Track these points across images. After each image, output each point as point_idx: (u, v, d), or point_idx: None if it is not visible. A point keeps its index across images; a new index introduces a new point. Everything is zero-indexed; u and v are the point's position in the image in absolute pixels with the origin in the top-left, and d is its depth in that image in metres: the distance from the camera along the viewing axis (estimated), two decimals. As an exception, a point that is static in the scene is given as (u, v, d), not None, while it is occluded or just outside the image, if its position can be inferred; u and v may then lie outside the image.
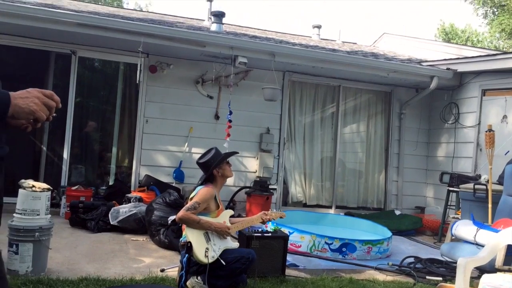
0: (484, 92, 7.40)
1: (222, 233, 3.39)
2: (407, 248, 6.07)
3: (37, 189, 3.78)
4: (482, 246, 3.90)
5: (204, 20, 9.57)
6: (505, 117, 6.95)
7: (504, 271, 3.42)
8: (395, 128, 8.51)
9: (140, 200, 6.09)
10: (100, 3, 18.51)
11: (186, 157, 7.34)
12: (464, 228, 4.48)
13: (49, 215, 3.90)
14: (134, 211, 5.62)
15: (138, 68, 6.47)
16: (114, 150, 7.58)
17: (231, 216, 3.68)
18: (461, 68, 7.52)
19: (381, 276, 4.57)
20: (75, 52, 7.01)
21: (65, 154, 6.97)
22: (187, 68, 7.38)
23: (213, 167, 3.54)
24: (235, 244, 3.56)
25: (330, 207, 8.17)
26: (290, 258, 4.62)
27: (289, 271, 4.36)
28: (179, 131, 7.35)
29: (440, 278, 4.49)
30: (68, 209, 6.04)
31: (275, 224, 5.18)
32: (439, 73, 7.62)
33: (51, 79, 7.75)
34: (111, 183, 7.33)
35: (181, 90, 7.38)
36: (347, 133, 8.54)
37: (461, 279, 3.35)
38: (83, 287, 3.44)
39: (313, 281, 4.11)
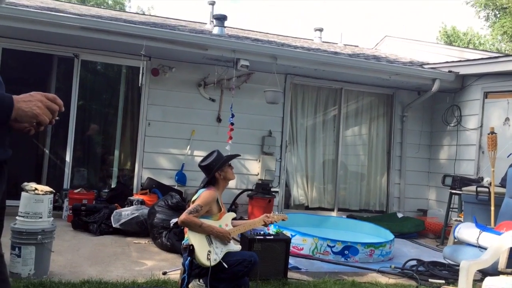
0: (486, 95, 7.39)
1: (223, 238, 3.39)
2: (409, 251, 6.06)
3: (39, 192, 3.79)
4: (485, 248, 3.90)
5: (206, 23, 9.59)
6: (507, 119, 6.93)
7: (507, 273, 3.41)
8: (397, 131, 8.51)
9: (142, 203, 6.09)
10: (102, 7, 18.58)
11: (188, 160, 7.35)
12: (466, 230, 4.48)
13: (52, 218, 3.91)
14: (136, 214, 5.62)
15: (141, 71, 6.49)
16: (117, 153, 7.59)
17: (233, 219, 3.68)
18: (463, 70, 7.51)
19: (383, 279, 4.56)
20: (77, 56, 7.04)
21: (68, 157, 6.99)
22: (189, 71, 7.40)
23: (215, 170, 3.54)
24: (237, 247, 3.56)
25: (332, 209, 8.16)
26: (292, 261, 4.62)
27: (291, 274, 4.36)
28: (181, 134, 7.37)
29: (443, 281, 4.48)
30: (71, 212, 6.05)
31: (277, 226, 5.17)
32: (441, 75, 7.62)
33: (53, 82, 7.79)
34: (113, 186, 7.34)
35: (183, 93, 7.40)
36: (349, 135, 8.54)
37: (464, 282, 3.34)
38: (86, 290, 3.44)
39: (315, 284, 4.10)
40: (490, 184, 5.45)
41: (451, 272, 4.68)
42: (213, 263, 3.27)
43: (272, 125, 7.81)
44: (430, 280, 4.52)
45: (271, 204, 7.06)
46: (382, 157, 8.55)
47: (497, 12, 20.87)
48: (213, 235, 3.36)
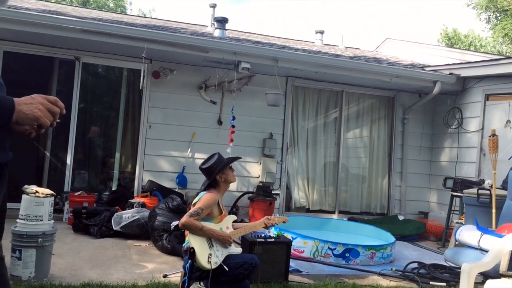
0: (487, 97, 7.39)
1: (224, 241, 3.38)
2: (410, 254, 6.05)
3: (40, 195, 3.79)
4: (486, 251, 3.89)
5: (207, 26, 9.61)
6: (508, 122, 6.93)
7: (509, 276, 3.40)
8: (398, 133, 8.50)
9: (143, 205, 6.09)
10: (104, 10, 18.62)
11: (189, 162, 7.35)
12: (468, 233, 4.47)
13: (52, 221, 3.91)
14: (137, 217, 5.62)
15: (142, 74, 6.50)
16: (117, 155, 7.59)
17: (234, 221, 3.67)
18: (464, 73, 7.51)
19: (384, 282, 4.55)
20: (79, 58, 7.05)
21: (69, 160, 6.99)
22: (190, 73, 7.41)
23: (216, 172, 3.54)
24: (238, 250, 3.55)
25: (333, 212, 8.15)
26: (293, 264, 4.61)
27: (292, 277, 4.35)
28: (182, 137, 7.37)
29: (444, 284, 4.47)
30: (71, 214, 6.05)
31: (278, 229, 5.16)
32: (442, 78, 7.62)
33: (55, 85, 7.80)
34: (114, 188, 7.34)
35: (184, 95, 7.41)
36: (350, 138, 8.54)
37: (465, 284, 3.33)
38: (86, 293, 3.44)
39: (316, 287, 4.10)
40: (491, 186, 5.44)
41: (452, 274, 4.67)
42: (213, 266, 3.26)
43: (273, 127, 7.81)
44: (431, 282, 4.52)
45: (272, 206, 7.06)
46: (383, 160, 8.55)
47: (498, 15, 20.88)
48: (214, 238, 3.36)
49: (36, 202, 3.75)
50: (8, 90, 1.51)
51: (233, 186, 6.49)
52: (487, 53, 12.05)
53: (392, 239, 5.77)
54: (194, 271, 3.31)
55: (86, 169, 7.47)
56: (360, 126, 8.53)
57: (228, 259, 3.37)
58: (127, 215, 5.66)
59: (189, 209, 3.47)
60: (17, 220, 3.76)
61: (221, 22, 7.83)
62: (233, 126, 6.76)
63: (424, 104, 8.33)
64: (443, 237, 6.85)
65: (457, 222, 6.00)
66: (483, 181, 6.45)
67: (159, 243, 5.11)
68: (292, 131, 8.07)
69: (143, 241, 5.47)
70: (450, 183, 6.89)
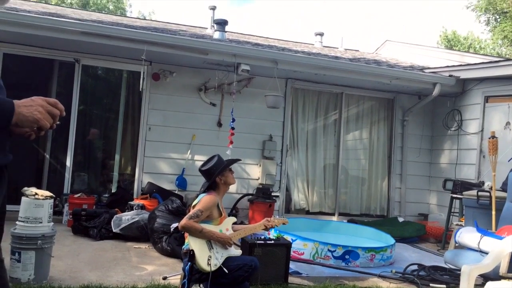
0: (487, 99, 7.39)
1: (224, 243, 3.38)
2: (410, 256, 6.04)
3: (39, 197, 3.79)
4: (486, 253, 3.89)
5: (207, 28, 9.62)
6: (508, 123, 6.93)
7: (508, 278, 3.40)
8: (398, 135, 8.51)
9: (142, 207, 6.08)
10: (103, 12, 18.64)
11: (189, 164, 7.35)
12: (467, 235, 4.47)
13: (52, 223, 3.91)
14: (137, 219, 5.62)
15: (141, 76, 6.51)
16: (117, 157, 7.59)
17: (234, 223, 3.67)
18: (463, 75, 7.52)
19: (384, 284, 4.55)
20: (78, 60, 7.05)
21: (68, 162, 6.99)
22: (190, 75, 7.41)
23: (216, 174, 3.54)
24: (238, 252, 3.55)
25: (333, 214, 8.15)
26: (293, 266, 4.61)
27: (292, 279, 4.34)
28: (182, 139, 7.37)
29: (444, 286, 4.47)
30: (71, 216, 6.04)
31: (278, 231, 5.17)
32: (442, 80, 7.63)
33: (54, 87, 7.80)
34: (113, 190, 7.34)
35: (184, 97, 7.41)
36: (350, 140, 8.54)
37: (465, 286, 3.33)
38: (86, 295, 3.43)
39: (316, 289, 4.09)
40: (491, 188, 5.44)
41: (452, 276, 4.67)
42: (213, 268, 3.26)
43: (273, 129, 7.81)
44: (431, 284, 4.51)
45: (271, 208, 7.05)
46: (383, 162, 8.55)
47: (497, 17, 20.92)
48: (213, 240, 3.36)
49: (35, 204, 3.75)
50: (7, 92, 1.51)
51: (232, 188, 6.49)
52: (486, 55, 12.05)
53: (392, 241, 5.77)
54: (193, 273, 3.31)
55: (86, 171, 7.47)
56: (359, 128, 8.53)
57: (227, 261, 3.36)
58: (126, 217, 5.65)
59: (189, 211, 3.47)
60: (17, 222, 3.75)
61: (221, 24, 7.84)
62: (232, 128, 6.76)
63: (423, 106, 8.34)
64: (443, 239, 6.85)
65: (457, 224, 6.01)
66: (483, 183, 6.45)
67: (159, 245, 5.11)
68: (291, 133, 8.07)
69: (142, 243, 5.47)
70: (450, 185, 6.89)
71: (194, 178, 7.09)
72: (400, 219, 7.90)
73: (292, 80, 7.89)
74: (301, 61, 7.10)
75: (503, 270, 3.58)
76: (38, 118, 1.36)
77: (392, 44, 10.80)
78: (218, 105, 7.54)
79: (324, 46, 10.60)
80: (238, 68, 6.80)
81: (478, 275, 3.70)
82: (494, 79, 7.14)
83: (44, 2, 9.52)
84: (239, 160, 4.44)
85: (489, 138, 5.38)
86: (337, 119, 8.37)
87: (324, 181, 8.25)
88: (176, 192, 7.04)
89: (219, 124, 7.51)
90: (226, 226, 3.53)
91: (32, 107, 1.36)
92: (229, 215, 3.69)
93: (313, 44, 10.70)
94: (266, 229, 3.76)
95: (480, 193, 5.61)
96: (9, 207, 1.67)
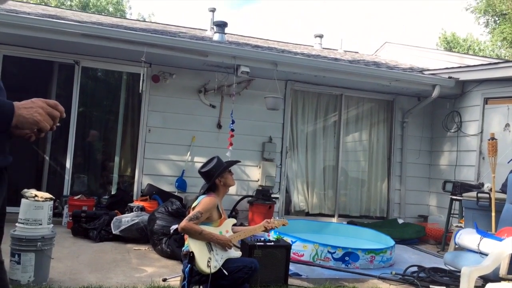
0: (486, 101, 7.40)
1: (224, 245, 3.38)
2: (410, 257, 6.04)
3: (39, 199, 3.79)
4: (486, 255, 3.89)
5: (206, 30, 9.63)
6: (507, 125, 6.94)
7: (508, 280, 3.40)
8: (397, 137, 8.51)
9: (142, 209, 6.08)
10: (103, 14, 18.66)
11: (189, 166, 7.35)
12: (467, 236, 4.47)
13: (51, 225, 3.90)
14: (136, 221, 5.61)
15: (141, 78, 6.51)
16: (117, 159, 7.59)
17: (234, 225, 3.67)
18: (463, 76, 7.53)
19: (384, 285, 4.55)
20: (78, 62, 7.06)
21: (68, 164, 6.99)
22: (189, 77, 7.42)
23: (215, 176, 3.54)
24: (237, 253, 3.54)
25: (332, 216, 8.15)
26: (292, 267, 4.60)
27: (291, 281, 4.34)
28: (182, 140, 7.37)
29: (444, 287, 4.46)
30: (71, 218, 6.04)
31: (277, 233, 5.17)
32: (441, 81, 7.64)
33: (54, 89, 7.80)
34: (113, 192, 7.34)
35: (183, 99, 7.41)
36: (350, 141, 8.54)
37: (465, 288, 3.33)
38: (85, 297, 3.43)
39: (316, 291, 4.08)
40: (490, 190, 5.45)
41: (452, 278, 4.66)
42: (213, 270, 3.26)
43: (273, 131, 7.81)
44: (431, 286, 4.51)
45: (271, 210, 7.05)
46: (382, 163, 8.55)
47: (496, 18, 20.96)
48: (213, 242, 3.36)
49: (35, 206, 3.75)
50: (7, 94, 1.52)
51: (232, 189, 6.48)
52: (485, 57, 12.08)
53: (391, 242, 5.77)
54: (193, 275, 3.31)
55: (86, 173, 7.47)
56: (359, 129, 8.54)
57: (227, 263, 3.36)
58: (126, 219, 5.65)
59: (189, 213, 3.47)
60: (16, 224, 3.75)
61: (221, 26, 7.85)
62: (232, 130, 6.76)
63: (423, 108, 8.35)
64: (442, 240, 6.85)
65: (457, 226, 6.00)
66: (483, 184, 6.46)
67: (159, 247, 5.11)
68: (291, 135, 8.08)
69: (142, 245, 5.46)
70: (450, 187, 6.90)
71: (194, 179, 7.08)
72: (400, 221, 7.90)
73: (292, 82, 7.90)
74: (301, 63, 7.10)
75: (503, 271, 3.58)
76: (38, 120, 1.36)
77: (391, 46, 10.81)
78: (218, 107, 7.54)
79: (323, 48, 10.60)
80: (238, 70, 6.81)
81: (478, 277, 3.70)
82: (494, 81, 7.15)
83: (44, 4, 9.52)
84: (239, 161, 4.44)
85: (489, 140, 5.38)
86: (336, 120, 8.37)
87: (324, 183, 8.25)
88: (175, 193, 7.04)
89: (219, 126, 7.52)
90: (226, 228, 3.53)
91: (32, 109, 1.36)
92: (229, 217, 3.69)
93: (312, 46, 10.71)
94: (266, 230, 3.76)
95: (479, 195, 5.61)
96: (9, 209, 1.67)
